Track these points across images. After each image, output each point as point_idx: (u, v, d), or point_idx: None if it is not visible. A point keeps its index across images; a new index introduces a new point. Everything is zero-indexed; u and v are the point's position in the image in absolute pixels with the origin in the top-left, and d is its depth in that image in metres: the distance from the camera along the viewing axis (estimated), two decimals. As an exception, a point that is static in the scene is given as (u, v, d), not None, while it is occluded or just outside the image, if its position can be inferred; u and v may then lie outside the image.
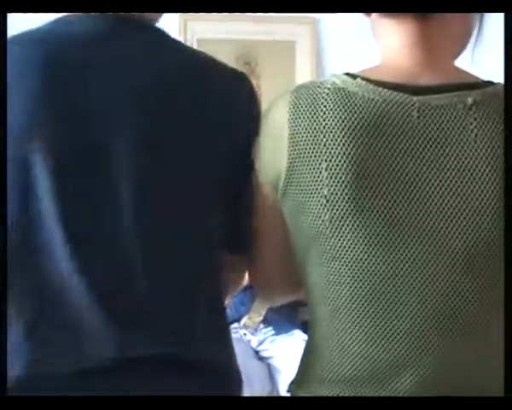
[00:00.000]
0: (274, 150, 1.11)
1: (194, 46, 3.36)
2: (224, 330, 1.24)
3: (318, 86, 1.10)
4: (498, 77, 1.11)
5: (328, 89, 1.08)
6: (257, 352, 2.86)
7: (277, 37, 3.40)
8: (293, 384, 1.20)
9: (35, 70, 1.13)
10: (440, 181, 1.04)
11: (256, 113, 1.24)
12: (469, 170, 1.03)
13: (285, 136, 1.09)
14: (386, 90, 1.06)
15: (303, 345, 1.27)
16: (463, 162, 1.04)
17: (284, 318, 2.80)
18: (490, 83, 1.08)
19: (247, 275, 1.31)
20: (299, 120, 1.08)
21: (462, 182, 1.03)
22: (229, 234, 1.21)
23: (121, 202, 1.12)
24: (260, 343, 2.87)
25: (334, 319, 1.09)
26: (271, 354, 2.83)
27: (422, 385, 1.06)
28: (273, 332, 2.85)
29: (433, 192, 1.04)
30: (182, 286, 1.15)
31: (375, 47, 1.18)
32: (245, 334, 2.87)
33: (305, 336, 2.73)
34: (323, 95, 1.08)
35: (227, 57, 3.34)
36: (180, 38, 3.25)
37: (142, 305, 1.12)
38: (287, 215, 1.12)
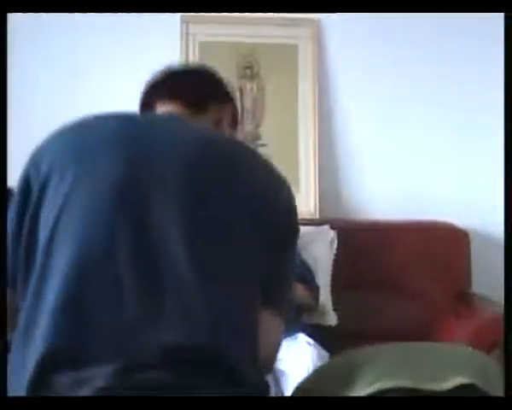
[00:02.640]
0: None
1: (196, 49, 3.36)
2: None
3: None
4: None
5: None
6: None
7: (280, 40, 3.39)
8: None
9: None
10: None
11: (294, 219, 1.37)
12: None
13: None
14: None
15: (306, 348, 1.27)
16: None
17: (288, 321, 2.79)
18: None
19: None
20: None
21: None
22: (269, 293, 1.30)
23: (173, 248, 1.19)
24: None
25: None
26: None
27: None
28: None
29: None
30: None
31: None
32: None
33: (309, 340, 2.73)
34: None
35: (229, 60, 3.34)
36: (182, 42, 3.24)
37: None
38: None
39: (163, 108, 1.44)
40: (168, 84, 1.49)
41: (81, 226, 1.18)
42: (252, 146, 1.47)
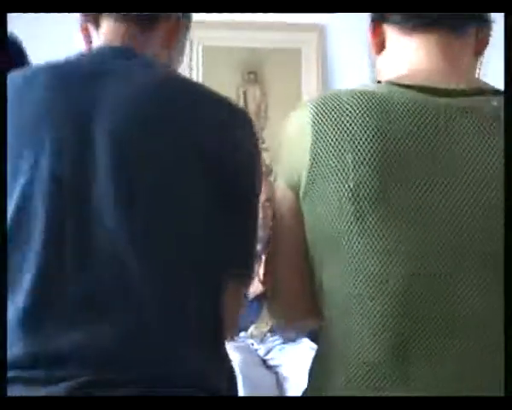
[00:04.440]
0: (295, 152, 1.12)
1: (200, 53, 3.36)
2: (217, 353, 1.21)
3: (340, 91, 1.12)
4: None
5: (352, 91, 1.10)
6: (264, 361, 2.84)
7: (283, 44, 3.39)
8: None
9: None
10: (462, 178, 1.06)
11: (255, 147, 1.24)
12: (491, 168, 1.05)
13: (307, 135, 1.10)
14: (411, 90, 1.09)
15: (310, 353, 1.25)
16: (486, 161, 1.06)
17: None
18: (500, 90, 1.11)
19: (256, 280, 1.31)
20: (322, 119, 1.09)
21: (484, 180, 1.05)
22: (233, 254, 1.20)
23: (108, 222, 1.12)
24: (268, 352, 2.86)
25: (353, 316, 1.08)
26: (279, 362, 2.81)
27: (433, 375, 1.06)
28: (280, 341, 2.84)
29: (455, 189, 1.05)
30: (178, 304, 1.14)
31: (387, 60, 1.20)
32: (252, 344, 2.86)
33: (313, 345, 2.72)
34: (347, 95, 1.10)
35: (233, 65, 3.34)
36: (186, 46, 3.25)
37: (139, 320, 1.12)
38: (307, 215, 1.12)
39: (106, 27, 1.29)
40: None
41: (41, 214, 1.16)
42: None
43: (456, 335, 1.05)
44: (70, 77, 1.20)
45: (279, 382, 2.77)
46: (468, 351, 1.05)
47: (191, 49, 3.31)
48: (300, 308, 1.22)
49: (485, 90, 1.10)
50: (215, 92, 1.24)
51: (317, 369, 1.17)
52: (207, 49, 3.33)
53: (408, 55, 1.15)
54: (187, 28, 1.38)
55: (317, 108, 1.11)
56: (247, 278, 1.24)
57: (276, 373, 2.79)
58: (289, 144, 1.14)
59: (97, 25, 1.29)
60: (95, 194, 1.13)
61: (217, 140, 1.18)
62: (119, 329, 1.11)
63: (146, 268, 1.12)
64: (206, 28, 3.30)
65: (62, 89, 1.18)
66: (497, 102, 1.08)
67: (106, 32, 1.28)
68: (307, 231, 1.12)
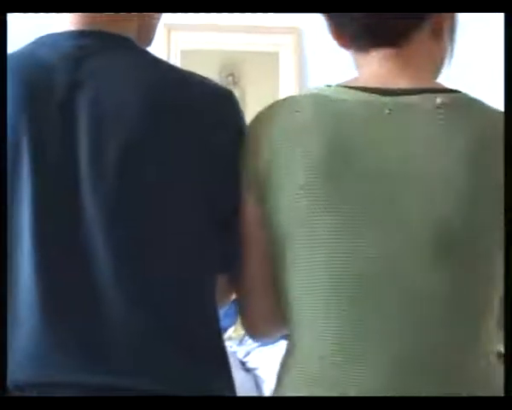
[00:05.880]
0: (255, 151, 1.16)
1: (178, 56, 3.35)
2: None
3: (293, 95, 1.18)
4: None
5: (303, 95, 1.17)
6: (243, 363, 2.85)
7: (261, 47, 3.40)
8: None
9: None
10: (408, 171, 1.09)
11: (240, 127, 1.23)
12: (437, 163, 1.09)
13: (262, 137, 1.15)
14: (357, 91, 1.14)
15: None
16: (431, 156, 1.09)
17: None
18: (457, 91, 1.14)
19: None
20: (275, 121, 1.15)
21: (428, 173, 1.09)
22: (219, 252, 1.20)
23: (92, 221, 1.11)
24: (247, 354, 2.86)
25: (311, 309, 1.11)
26: (257, 364, 2.82)
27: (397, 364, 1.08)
28: (259, 343, 2.85)
29: (401, 181, 1.09)
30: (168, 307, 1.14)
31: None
32: (231, 346, 2.86)
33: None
34: (298, 98, 1.17)
35: (211, 68, 3.34)
36: (164, 49, 3.25)
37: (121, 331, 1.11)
38: (267, 218, 1.14)
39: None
40: None
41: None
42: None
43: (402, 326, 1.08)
44: (48, 78, 1.17)
45: (258, 384, 2.77)
46: (431, 337, 1.08)
47: (169, 53, 3.30)
48: (270, 321, 1.25)
49: (433, 89, 1.14)
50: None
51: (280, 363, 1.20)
52: (185, 53, 3.32)
53: (365, 64, 1.20)
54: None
55: (275, 112, 1.17)
56: (231, 267, 1.23)
57: (255, 376, 2.79)
58: (250, 146, 1.18)
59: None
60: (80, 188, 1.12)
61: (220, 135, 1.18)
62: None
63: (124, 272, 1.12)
64: (183, 31, 3.30)
65: (40, 91, 1.16)
66: (441, 100, 1.11)
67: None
68: (268, 227, 1.14)
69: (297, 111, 1.13)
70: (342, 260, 1.09)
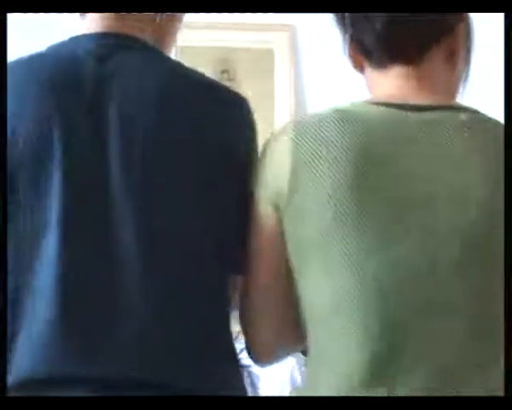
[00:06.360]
0: (275, 168, 1.16)
1: (172, 54, 3.35)
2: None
3: (320, 111, 1.18)
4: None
5: (329, 110, 1.17)
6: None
7: (256, 44, 3.40)
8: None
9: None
10: (434, 185, 1.11)
11: (252, 136, 1.25)
12: (462, 176, 1.11)
13: (288, 153, 1.14)
14: (381, 106, 1.15)
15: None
16: (456, 169, 1.11)
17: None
18: (474, 109, 1.19)
19: None
20: (302, 138, 1.14)
21: (454, 186, 1.11)
22: (227, 253, 1.21)
23: (117, 216, 1.11)
24: (241, 351, 2.86)
25: (336, 317, 1.10)
26: (251, 362, 2.82)
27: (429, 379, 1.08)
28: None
29: (428, 194, 1.10)
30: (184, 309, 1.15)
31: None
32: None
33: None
34: (324, 114, 1.17)
35: (205, 65, 3.33)
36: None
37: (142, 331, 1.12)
38: (289, 226, 1.13)
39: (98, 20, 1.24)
40: None
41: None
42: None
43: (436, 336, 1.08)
44: (75, 73, 1.17)
45: (252, 381, 2.77)
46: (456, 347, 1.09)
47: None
48: (286, 336, 1.25)
49: (456, 107, 1.18)
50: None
51: (306, 376, 1.22)
52: (180, 49, 3.32)
53: (381, 82, 1.23)
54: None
55: (297, 128, 1.16)
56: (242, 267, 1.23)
57: (249, 372, 2.79)
58: (270, 164, 1.18)
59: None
60: (109, 192, 1.12)
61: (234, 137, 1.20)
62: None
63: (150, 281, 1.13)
64: (178, 28, 3.29)
65: (68, 87, 1.16)
66: (465, 117, 1.14)
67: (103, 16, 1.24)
68: (288, 242, 1.15)
69: (322, 126, 1.14)
70: (371, 272, 1.08)
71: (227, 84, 3.31)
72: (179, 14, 1.36)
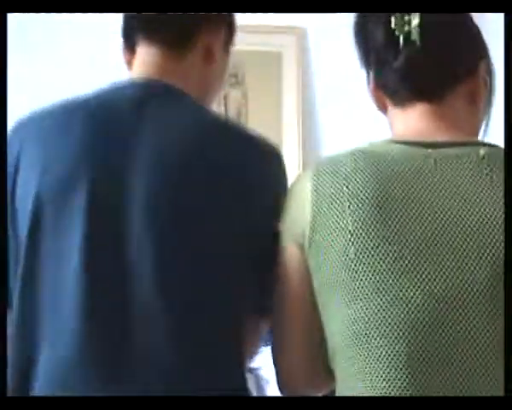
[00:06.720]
0: (297, 209, 1.20)
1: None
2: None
3: (340, 153, 1.22)
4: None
5: (346, 151, 1.20)
6: (245, 363, 2.84)
7: (264, 47, 3.39)
8: None
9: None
10: (456, 222, 1.12)
11: (283, 187, 1.30)
12: (483, 213, 1.12)
13: (309, 193, 1.18)
14: (400, 144, 1.18)
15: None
16: (478, 206, 1.13)
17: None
18: (493, 144, 1.21)
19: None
20: (322, 180, 1.17)
21: (476, 223, 1.12)
22: (256, 297, 1.25)
23: (142, 270, 1.14)
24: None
25: (360, 353, 1.12)
26: (259, 364, 2.81)
27: None
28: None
29: (450, 231, 1.12)
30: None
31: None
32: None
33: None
34: (343, 153, 1.21)
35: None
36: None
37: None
38: (312, 265, 1.17)
39: (143, 54, 1.31)
40: (144, 24, 1.30)
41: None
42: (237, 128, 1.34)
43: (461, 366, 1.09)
44: (110, 120, 1.21)
45: (260, 384, 2.77)
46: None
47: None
48: (313, 367, 1.27)
49: (474, 142, 1.20)
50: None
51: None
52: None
53: (403, 120, 1.25)
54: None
55: (317, 169, 1.19)
56: (267, 311, 1.27)
57: (257, 376, 2.78)
58: (293, 205, 1.22)
59: (132, 51, 1.31)
60: (129, 248, 1.15)
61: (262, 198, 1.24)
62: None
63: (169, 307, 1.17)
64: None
65: (101, 134, 1.20)
66: (484, 151, 1.16)
67: (142, 59, 1.28)
68: (313, 279, 1.16)
69: (341, 165, 1.17)
70: (395, 308, 1.09)
71: (235, 87, 3.34)
72: (225, 66, 1.43)
